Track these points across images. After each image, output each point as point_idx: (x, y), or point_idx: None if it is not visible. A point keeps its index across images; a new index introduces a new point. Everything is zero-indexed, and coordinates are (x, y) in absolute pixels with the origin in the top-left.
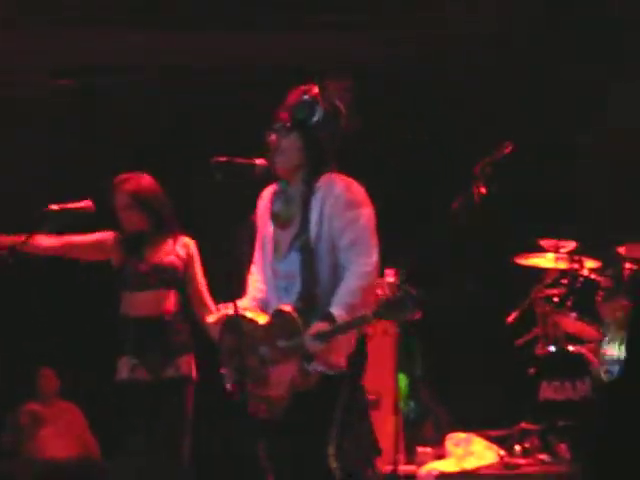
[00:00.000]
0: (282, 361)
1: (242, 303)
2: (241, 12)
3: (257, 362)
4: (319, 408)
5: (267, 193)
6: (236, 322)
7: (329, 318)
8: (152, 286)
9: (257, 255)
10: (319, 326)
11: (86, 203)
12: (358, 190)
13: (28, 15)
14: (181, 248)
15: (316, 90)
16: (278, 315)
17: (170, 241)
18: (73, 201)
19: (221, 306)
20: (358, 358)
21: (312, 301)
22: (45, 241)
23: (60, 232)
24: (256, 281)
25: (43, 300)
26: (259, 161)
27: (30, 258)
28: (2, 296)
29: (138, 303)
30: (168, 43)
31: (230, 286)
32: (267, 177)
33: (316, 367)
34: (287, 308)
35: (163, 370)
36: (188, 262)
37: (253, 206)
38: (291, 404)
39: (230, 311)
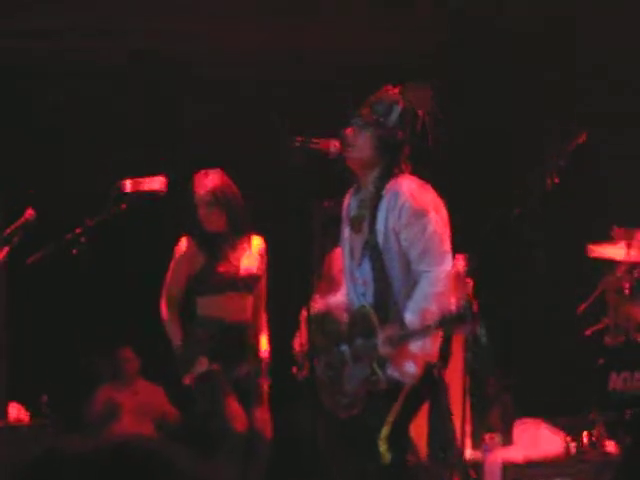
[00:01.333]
0: (358, 360)
1: (335, 299)
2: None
3: (337, 359)
4: (384, 406)
5: (348, 194)
6: (323, 319)
7: (400, 323)
8: (238, 289)
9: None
10: (389, 330)
11: (160, 184)
12: (423, 196)
13: None
14: (256, 251)
15: (396, 91)
16: (358, 314)
17: (245, 243)
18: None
19: (314, 302)
20: (442, 354)
21: (386, 308)
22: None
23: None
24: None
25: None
26: (333, 146)
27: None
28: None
29: (224, 306)
30: None
31: (306, 277)
32: (341, 162)
33: (389, 372)
34: (366, 308)
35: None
36: (261, 266)
37: (325, 189)
38: (359, 402)
39: (317, 309)
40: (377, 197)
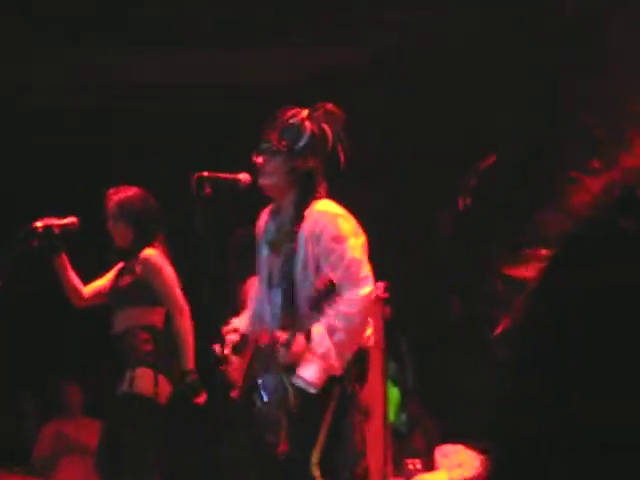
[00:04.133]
0: (269, 388)
1: (240, 321)
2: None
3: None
4: (307, 419)
5: (264, 214)
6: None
7: (305, 332)
8: (115, 305)
9: (258, 274)
10: (284, 335)
11: (71, 219)
12: (342, 222)
13: None
14: (138, 262)
15: (304, 114)
16: (259, 349)
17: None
18: (58, 217)
19: (225, 330)
20: (356, 371)
21: (293, 329)
22: (89, 294)
23: (54, 250)
24: (252, 299)
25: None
26: (243, 176)
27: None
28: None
29: (111, 320)
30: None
31: (216, 299)
32: (251, 191)
33: (294, 381)
34: (263, 343)
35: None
36: (143, 276)
37: (238, 219)
38: (283, 433)
39: (233, 337)
40: (295, 223)
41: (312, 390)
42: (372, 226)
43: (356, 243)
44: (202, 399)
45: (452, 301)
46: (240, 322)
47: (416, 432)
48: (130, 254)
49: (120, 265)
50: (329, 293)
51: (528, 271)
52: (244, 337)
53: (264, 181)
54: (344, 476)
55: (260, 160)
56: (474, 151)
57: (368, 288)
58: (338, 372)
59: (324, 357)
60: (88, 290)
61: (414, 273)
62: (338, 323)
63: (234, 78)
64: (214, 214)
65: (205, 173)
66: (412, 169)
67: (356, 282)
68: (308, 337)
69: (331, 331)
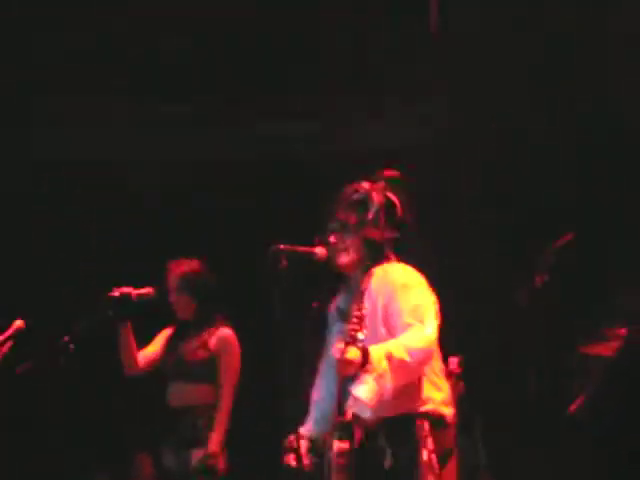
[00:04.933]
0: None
1: (305, 429)
2: None
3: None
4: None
5: (336, 297)
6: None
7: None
8: (178, 377)
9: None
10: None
11: (147, 289)
12: (411, 273)
13: None
14: (215, 338)
15: (367, 186)
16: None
17: (206, 332)
18: (136, 287)
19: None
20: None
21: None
22: (141, 362)
23: (123, 318)
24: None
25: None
26: (319, 250)
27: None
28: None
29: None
30: None
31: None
32: (326, 267)
33: (356, 408)
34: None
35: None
36: (217, 353)
37: (314, 293)
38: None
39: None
40: (365, 281)
41: (367, 413)
42: (446, 301)
43: (425, 290)
44: None
45: (528, 378)
46: (305, 428)
47: None
48: (194, 327)
49: (169, 333)
50: None
51: (606, 349)
52: (313, 442)
53: (342, 259)
54: None
55: (333, 239)
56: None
57: (434, 332)
58: (388, 398)
59: (382, 378)
60: (141, 357)
61: (490, 349)
62: (396, 353)
63: None
64: (290, 290)
65: (282, 246)
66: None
67: (423, 322)
68: (365, 356)
69: (389, 357)
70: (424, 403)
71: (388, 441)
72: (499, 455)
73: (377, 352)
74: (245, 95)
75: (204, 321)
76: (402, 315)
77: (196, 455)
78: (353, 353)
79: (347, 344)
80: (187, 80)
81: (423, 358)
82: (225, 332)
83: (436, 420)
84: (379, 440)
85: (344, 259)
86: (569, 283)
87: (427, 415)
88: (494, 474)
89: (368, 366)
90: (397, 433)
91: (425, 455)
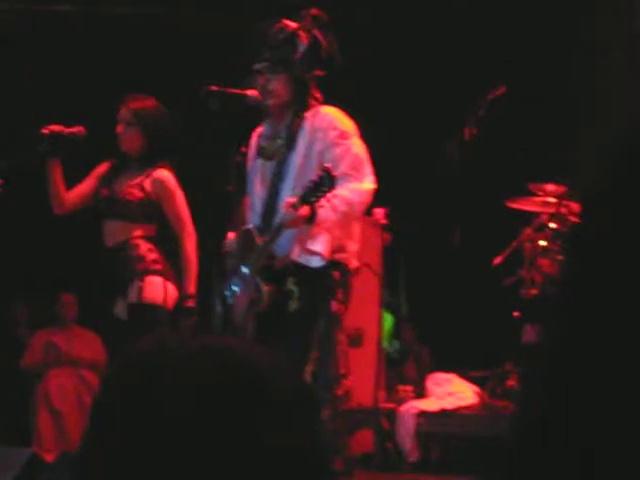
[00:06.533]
0: (245, 282)
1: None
2: None
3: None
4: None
5: (255, 132)
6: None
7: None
8: (112, 216)
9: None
10: (290, 199)
11: (79, 128)
12: (347, 121)
13: None
14: (150, 180)
15: (294, 25)
16: (243, 234)
17: (144, 173)
18: (66, 126)
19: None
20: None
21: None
22: (71, 199)
23: (53, 155)
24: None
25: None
26: (251, 92)
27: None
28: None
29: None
30: None
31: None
32: (258, 108)
33: (292, 257)
34: (250, 227)
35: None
36: (155, 197)
37: (243, 135)
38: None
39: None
40: (296, 124)
41: (320, 262)
42: (376, 154)
43: (360, 143)
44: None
45: (453, 231)
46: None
47: (409, 359)
48: (135, 166)
49: (104, 168)
50: (326, 182)
51: (530, 205)
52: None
53: (272, 101)
54: (323, 396)
55: (261, 81)
56: (483, 82)
57: (371, 185)
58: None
59: (330, 230)
60: (70, 195)
61: (416, 201)
62: (340, 205)
63: None
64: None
65: (214, 87)
66: (416, 101)
67: (361, 177)
68: (313, 213)
69: (334, 210)
70: (337, 251)
71: (296, 285)
72: (420, 307)
73: (323, 208)
74: None
75: (147, 161)
76: (340, 164)
77: (136, 285)
78: (303, 209)
79: (298, 200)
80: None
81: (363, 209)
82: (161, 174)
83: (345, 270)
84: (288, 283)
85: (275, 100)
86: (498, 137)
87: (338, 264)
88: (414, 325)
89: (317, 220)
90: (306, 278)
91: (334, 306)
